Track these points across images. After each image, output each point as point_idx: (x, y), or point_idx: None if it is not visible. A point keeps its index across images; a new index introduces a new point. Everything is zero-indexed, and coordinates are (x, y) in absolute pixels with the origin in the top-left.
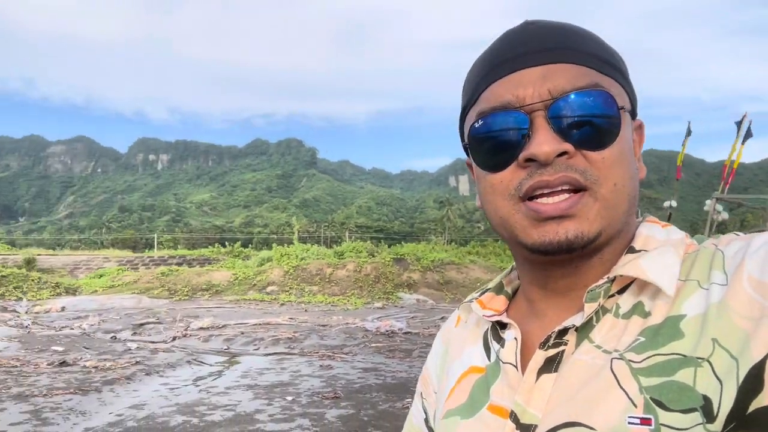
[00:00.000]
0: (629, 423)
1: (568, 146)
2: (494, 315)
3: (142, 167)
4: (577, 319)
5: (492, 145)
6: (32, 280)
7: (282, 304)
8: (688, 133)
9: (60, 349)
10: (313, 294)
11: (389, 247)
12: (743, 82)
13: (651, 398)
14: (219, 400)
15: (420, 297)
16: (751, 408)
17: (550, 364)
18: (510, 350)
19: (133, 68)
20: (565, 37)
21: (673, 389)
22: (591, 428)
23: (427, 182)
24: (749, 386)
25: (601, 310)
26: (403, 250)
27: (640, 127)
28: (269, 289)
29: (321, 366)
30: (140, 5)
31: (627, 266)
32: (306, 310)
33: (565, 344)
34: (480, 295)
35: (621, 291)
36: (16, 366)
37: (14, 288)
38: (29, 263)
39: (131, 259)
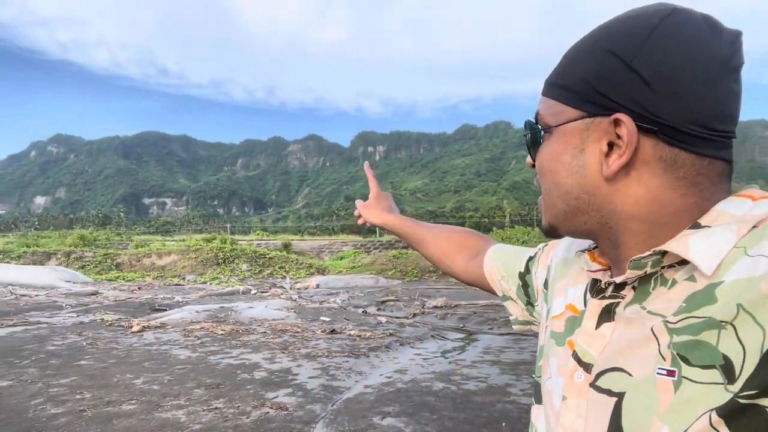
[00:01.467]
0: (658, 373)
1: (530, 161)
2: (599, 270)
3: (362, 159)
4: (618, 278)
5: None
6: (292, 261)
7: None
8: None
9: (327, 319)
10: None
11: None
12: None
13: (677, 353)
14: (469, 371)
15: None
16: None
17: (608, 314)
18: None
19: (352, 68)
20: (555, 66)
21: (697, 347)
22: (629, 374)
23: None
24: None
25: (661, 280)
26: None
27: (622, 129)
28: None
29: None
30: (355, 8)
31: (675, 242)
32: None
33: (622, 298)
34: (594, 248)
35: (682, 263)
36: (299, 332)
37: (279, 268)
38: (286, 247)
39: (364, 243)
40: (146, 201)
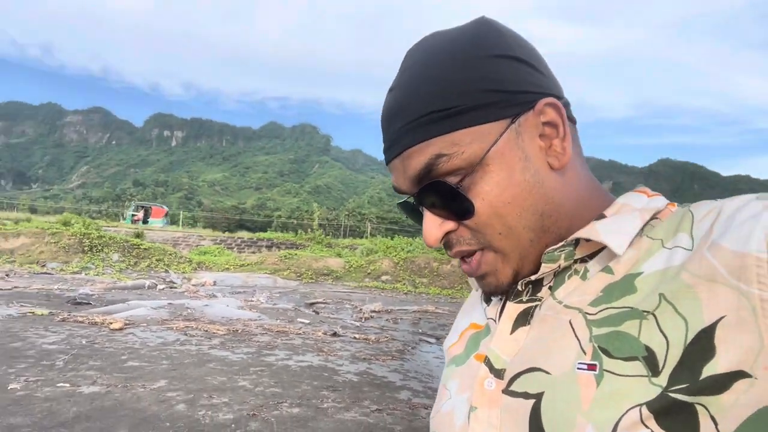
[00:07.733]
0: (578, 369)
1: (448, 226)
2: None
3: (156, 142)
4: (534, 276)
5: (410, 215)
6: (170, 255)
7: (406, 293)
8: None
9: (305, 321)
10: (425, 285)
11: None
12: (762, 96)
13: (598, 346)
14: None
15: None
16: (704, 374)
17: (525, 318)
18: (493, 308)
19: (150, 41)
20: (406, 108)
21: (618, 338)
22: (548, 373)
23: None
24: (698, 349)
25: (574, 272)
26: None
27: (551, 112)
28: (383, 278)
29: None
30: None
31: (584, 230)
32: (436, 301)
33: (539, 300)
34: None
35: (592, 255)
36: (300, 333)
37: (157, 260)
38: (138, 236)
39: (224, 239)
40: None
